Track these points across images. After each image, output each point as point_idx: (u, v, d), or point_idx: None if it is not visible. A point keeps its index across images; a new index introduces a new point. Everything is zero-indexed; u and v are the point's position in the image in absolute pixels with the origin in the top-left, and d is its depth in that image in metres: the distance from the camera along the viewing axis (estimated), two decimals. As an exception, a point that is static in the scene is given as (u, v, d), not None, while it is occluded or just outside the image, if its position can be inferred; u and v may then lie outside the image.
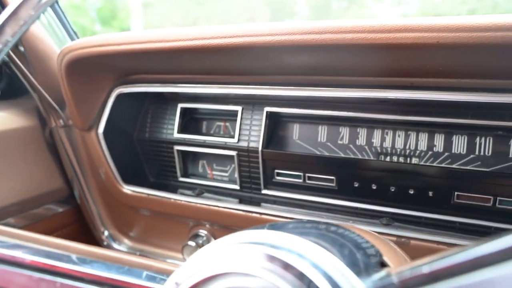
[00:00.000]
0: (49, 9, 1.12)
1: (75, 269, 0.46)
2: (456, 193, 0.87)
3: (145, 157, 1.18)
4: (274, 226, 0.44)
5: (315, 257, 0.35)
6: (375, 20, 0.67)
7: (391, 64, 0.78)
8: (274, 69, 0.93)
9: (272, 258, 0.35)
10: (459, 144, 0.87)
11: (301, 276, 0.33)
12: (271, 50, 0.78)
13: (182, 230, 1.15)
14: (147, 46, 0.86)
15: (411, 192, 0.90)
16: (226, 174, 1.11)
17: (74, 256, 0.48)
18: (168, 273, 0.42)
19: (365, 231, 0.57)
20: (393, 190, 0.92)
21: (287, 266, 0.34)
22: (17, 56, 1.07)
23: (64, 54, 0.95)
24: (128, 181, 1.14)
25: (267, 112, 1.00)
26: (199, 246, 1.09)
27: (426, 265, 0.32)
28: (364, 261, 0.38)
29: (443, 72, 0.78)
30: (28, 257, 0.50)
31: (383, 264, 0.43)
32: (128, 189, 1.12)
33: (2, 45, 0.53)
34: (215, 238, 1.11)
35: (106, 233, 1.26)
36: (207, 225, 1.11)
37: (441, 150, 0.89)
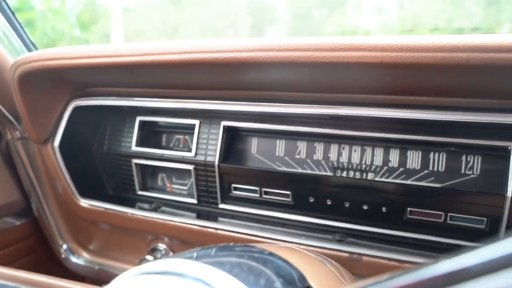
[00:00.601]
0: (4, 20, 1.10)
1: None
2: (409, 209, 0.88)
3: (104, 170, 1.16)
4: (202, 251, 0.44)
5: (224, 288, 0.34)
6: (321, 38, 0.68)
7: (341, 81, 0.79)
8: (231, 84, 0.92)
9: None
10: (414, 159, 0.88)
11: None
12: (223, 66, 0.78)
13: (141, 244, 1.13)
14: (99, 61, 0.85)
15: (365, 207, 0.91)
16: (185, 188, 1.10)
17: None
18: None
19: (299, 252, 0.57)
20: (347, 205, 0.92)
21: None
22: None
23: (17, 66, 0.93)
24: (85, 194, 1.12)
25: (224, 126, 0.99)
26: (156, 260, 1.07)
27: None
28: (282, 290, 0.38)
29: (392, 89, 0.78)
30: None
31: (309, 289, 0.43)
32: (85, 202, 1.11)
33: None
34: (173, 252, 1.10)
35: (64, 246, 1.24)
36: (166, 239, 1.10)
37: (396, 165, 0.90)
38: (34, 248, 1.28)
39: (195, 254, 0.43)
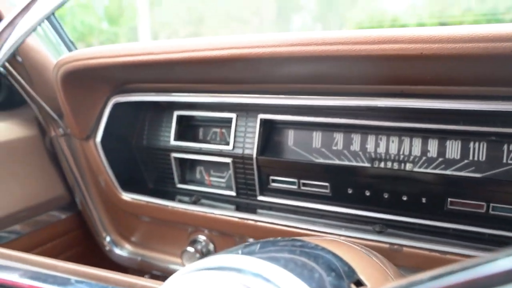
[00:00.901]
0: (45, 21, 1.14)
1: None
2: (449, 199, 0.87)
3: (144, 164, 1.19)
4: (249, 248, 0.45)
5: (282, 284, 0.36)
6: (359, 32, 0.68)
7: (380, 72, 0.79)
8: (267, 78, 0.93)
9: (240, 286, 0.35)
10: (453, 149, 0.87)
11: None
12: (259, 62, 0.78)
13: (181, 235, 1.16)
14: (139, 59, 0.87)
15: (404, 198, 0.91)
16: (223, 180, 1.12)
17: (72, 279, 0.50)
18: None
19: (345, 245, 0.57)
20: (386, 196, 0.92)
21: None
22: (15, 67, 1.09)
23: (60, 66, 0.97)
24: (127, 188, 1.16)
25: (261, 119, 1.00)
26: (197, 251, 1.10)
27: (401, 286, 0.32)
28: (334, 285, 0.39)
29: (432, 80, 0.78)
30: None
31: (359, 283, 0.44)
32: (127, 196, 1.14)
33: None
34: (213, 244, 1.12)
35: (107, 238, 1.28)
36: (206, 231, 1.12)
37: (435, 155, 0.89)
38: (78, 240, 1.33)
39: (247, 249, 0.44)
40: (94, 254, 1.31)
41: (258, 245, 0.46)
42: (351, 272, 0.44)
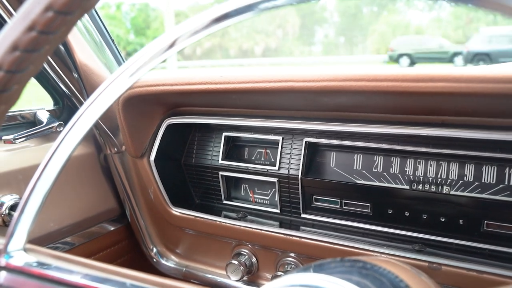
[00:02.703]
0: (104, 44, 1.23)
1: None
2: (485, 221, 0.93)
3: (192, 180, 1.27)
4: (320, 267, 0.52)
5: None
6: (407, 70, 0.75)
7: (422, 104, 0.85)
8: (313, 106, 1.00)
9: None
10: (489, 174, 0.93)
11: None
12: (312, 94, 0.86)
13: (225, 248, 1.24)
14: (197, 87, 0.95)
15: (442, 219, 0.96)
16: (267, 198, 1.20)
17: (128, 283, 0.57)
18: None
19: (400, 266, 0.64)
20: (425, 217, 0.98)
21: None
22: (79, 89, 1.18)
23: (122, 91, 1.05)
24: (176, 202, 1.24)
25: (306, 142, 1.07)
26: (241, 264, 1.17)
27: None
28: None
29: (472, 112, 0.84)
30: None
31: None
32: (176, 211, 1.22)
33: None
34: (256, 258, 1.19)
35: (154, 250, 1.36)
36: (249, 245, 1.19)
37: (471, 179, 0.95)
38: (127, 250, 1.42)
39: (320, 268, 0.51)
40: (141, 264, 1.39)
41: (330, 265, 0.53)
42: (408, 290, 0.50)
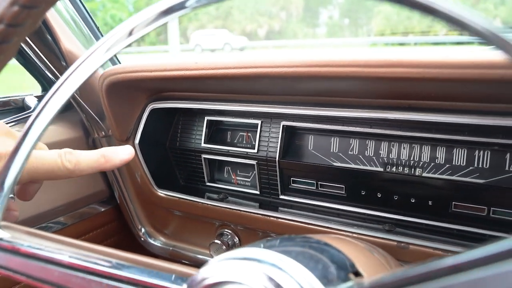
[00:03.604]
0: (91, 34, 1.27)
1: (114, 272, 0.58)
2: (453, 202, 0.96)
3: (176, 163, 1.31)
4: (270, 243, 0.56)
5: (292, 272, 0.46)
6: (369, 55, 0.77)
7: (389, 89, 0.88)
8: (289, 90, 1.03)
9: (260, 272, 0.46)
10: (459, 157, 0.96)
11: (279, 286, 0.45)
12: (282, 79, 0.89)
13: (209, 229, 1.28)
14: (174, 73, 0.98)
15: (413, 200, 1.00)
16: (249, 180, 1.23)
17: (114, 261, 0.61)
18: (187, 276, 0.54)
19: (349, 242, 0.68)
20: (396, 198, 1.01)
21: (270, 279, 0.45)
22: (62, 74, 1.21)
23: (104, 77, 1.09)
24: (161, 185, 1.28)
25: (283, 125, 1.10)
26: (224, 244, 1.22)
27: (388, 275, 0.41)
28: (335, 274, 0.49)
29: (436, 96, 0.86)
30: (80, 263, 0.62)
31: (357, 274, 0.54)
32: (161, 192, 1.26)
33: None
34: (238, 237, 1.23)
35: (142, 230, 1.41)
36: (232, 226, 1.23)
37: (443, 162, 0.98)
38: (116, 231, 1.47)
39: (268, 244, 0.55)
40: (130, 244, 1.44)
41: (277, 241, 0.57)
42: (351, 265, 0.54)
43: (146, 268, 0.59)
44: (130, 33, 0.57)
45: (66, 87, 0.57)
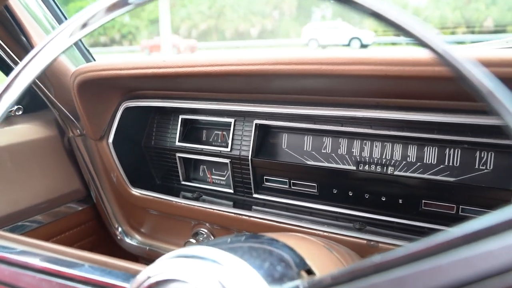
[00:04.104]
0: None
1: (65, 270, 0.58)
2: (423, 201, 0.96)
3: (152, 162, 1.30)
4: (219, 240, 0.56)
5: (235, 270, 0.46)
6: (333, 53, 0.77)
7: (356, 87, 0.88)
8: (261, 88, 1.03)
9: (202, 270, 0.46)
10: (431, 155, 0.96)
11: (219, 283, 0.44)
12: (250, 77, 0.88)
13: (186, 228, 1.27)
14: (143, 72, 0.98)
15: (383, 199, 0.99)
16: (224, 179, 1.23)
17: (66, 259, 0.60)
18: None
19: (306, 240, 0.67)
20: (367, 196, 1.01)
21: (213, 277, 0.45)
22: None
23: (76, 75, 1.08)
24: (136, 184, 1.27)
25: (256, 124, 1.10)
26: (199, 243, 1.21)
27: (333, 272, 0.41)
28: (282, 272, 0.49)
29: (402, 94, 0.86)
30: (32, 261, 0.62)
31: (310, 272, 0.54)
32: (135, 191, 1.26)
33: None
34: (213, 236, 1.23)
35: (119, 229, 1.40)
36: (207, 225, 1.23)
37: (414, 160, 0.98)
38: (93, 230, 1.46)
39: (216, 241, 0.54)
40: (108, 243, 1.43)
41: (228, 239, 0.57)
42: (301, 263, 0.54)
43: (98, 266, 0.59)
44: (86, 24, 0.57)
45: (29, 70, 0.56)
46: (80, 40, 1.27)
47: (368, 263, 0.37)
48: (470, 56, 0.35)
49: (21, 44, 1.16)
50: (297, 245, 0.59)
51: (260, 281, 0.46)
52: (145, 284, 0.49)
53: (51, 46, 0.57)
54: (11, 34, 1.15)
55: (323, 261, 0.59)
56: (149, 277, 0.49)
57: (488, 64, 0.60)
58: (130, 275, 0.58)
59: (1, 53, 1.14)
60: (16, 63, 1.16)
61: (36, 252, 0.62)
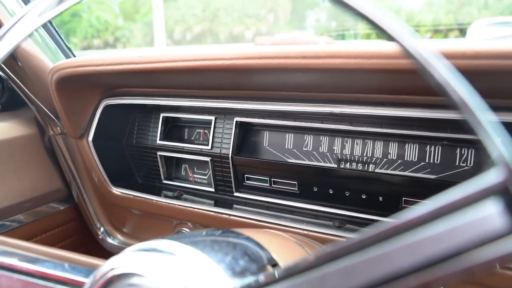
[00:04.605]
0: (43, 29, 1.24)
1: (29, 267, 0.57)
2: (404, 198, 0.95)
3: (133, 161, 1.29)
4: (184, 234, 0.54)
5: (194, 263, 0.45)
6: (309, 47, 0.76)
7: (333, 82, 0.87)
8: (241, 85, 1.02)
9: (160, 263, 0.45)
10: (411, 152, 0.95)
11: (177, 277, 0.43)
12: (226, 72, 0.87)
13: (168, 227, 1.26)
14: (121, 67, 0.96)
15: (364, 196, 0.98)
16: (205, 177, 1.22)
17: (30, 255, 0.59)
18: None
19: (275, 236, 0.66)
20: (347, 194, 1.00)
21: (169, 270, 0.44)
22: (16, 71, 1.19)
23: (53, 72, 1.07)
24: (118, 183, 1.26)
25: (236, 121, 1.09)
26: (181, 242, 1.20)
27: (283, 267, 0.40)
28: (244, 266, 0.48)
29: (381, 89, 0.85)
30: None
31: (275, 265, 0.53)
32: (116, 190, 1.24)
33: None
34: (195, 236, 1.22)
35: (101, 229, 1.38)
36: (189, 224, 1.21)
37: (395, 157, 0.97)
38: (76, 230, 1.44)
39: (181, 235, 0.53)
40: (90, 243, 1.41)
41: (194, 233, 0.56)
42: (268, 258, 0.52)
43: (60, 261, 0.58)
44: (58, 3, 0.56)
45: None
46: (60, 37, 1.26)
47: (320, 253, 0.36)
48: (434, 49, 0.34)
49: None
50: (266, 239, 0.58)
51: (220, 274, 0.45)
52: (106, 276, 0.47)
53: (19, 26, 0.56)
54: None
55: (292, 256, 0.58)
56: (110, 270, 0.48)
57: (450, 56, 0.60)
58: (93, 271, 0.56)
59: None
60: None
61: (17, 252, 0.61)
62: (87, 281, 0.52)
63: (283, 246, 0.60)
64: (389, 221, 0.32)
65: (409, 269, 0.27)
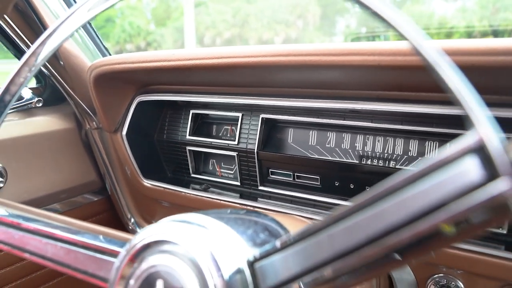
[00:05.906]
0: (82, 29, 1.32)
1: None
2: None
3: (164, 155, 1.35)
4: (218, 211, 0.60)
5: (218, 233, 0.50)
6: (330, 45, 0.80)
7: (356, 79, 0.91)
8: (268, 82, 1.07)
9: (189, 233, 0.50)
10: (432, 149, 0.98)
11: (205, 244, 0.48)
12: (253, 69, 0.93)
13: (195, 219, 1.31)
14: (155, 65, 1.03)
15: (384, 191, 1.02)
16: (232, 172, 1.27)
17: (73, 228, 0.65)
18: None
19: (300, 221, 0.71)
20: (368, 189, 1.04)
21: (196, 238, 0.49)
22: (58, 69, 1.27)
23: (92, 69, 1.14)
24: (148, 176, 1.32)
25: (262, 118, 1.14)
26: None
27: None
28: (263, 238, 0.53)
29: (401, 86, 0.89)
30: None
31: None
32: (147, 183, 1.31)
33: (37, 60, 0.67)
34: (221, 228, 1.27)
35: (132, 220, 1.45)
36: (215, 216, 1.26)
37: (415, 154, 1.00)
38: (107, 221, 1.52)
39: (209, 211, 0.58)
40: (121, 234, 1.48)
41: (220, 210, 0.61)
42: (285, 233, 0.57)
43: (98, 234, 0.64)
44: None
45: (53, 40, 0.61)
46: (99, 38, 1.34)
47: (326, 218, 0.41)
48: (440, 47, 0.37)
49: (33, 28, 1.22)
50: (287, 221, 0.62)
51: (242, 244, 0.49)
52: (141, 243, 0.53)
53: (72, 19, 0.62)
54: (25, 19, 1.21)
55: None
56: (144, 238, 0.53)
57: (453, 53, 0.63)
58: (123, 242, 0.62)
59: (14, 37, 1.21)
60: (28, 47, 1.22)
61: (44, 221, 0.67)
62: (122, 250, 0.58)
63: (301, 227, 0.64)
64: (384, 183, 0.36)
65: (402, 222, 0.31)
